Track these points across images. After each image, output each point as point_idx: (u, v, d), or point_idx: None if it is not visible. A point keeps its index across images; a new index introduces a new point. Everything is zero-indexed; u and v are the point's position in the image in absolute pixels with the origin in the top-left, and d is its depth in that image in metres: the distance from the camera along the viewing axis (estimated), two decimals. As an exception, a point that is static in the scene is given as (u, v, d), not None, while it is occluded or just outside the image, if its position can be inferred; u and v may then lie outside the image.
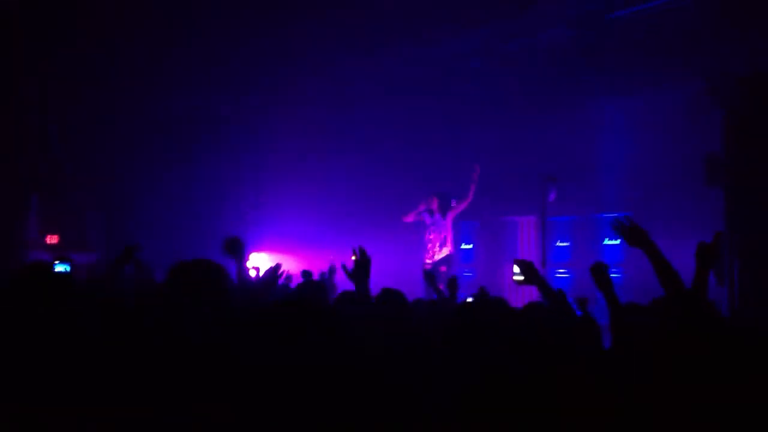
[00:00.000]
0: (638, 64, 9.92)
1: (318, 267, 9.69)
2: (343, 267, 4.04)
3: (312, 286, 5.51)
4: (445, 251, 11.03)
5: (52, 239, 12.19)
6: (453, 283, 5.92)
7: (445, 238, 11.04)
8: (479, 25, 11.22)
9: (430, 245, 11.21)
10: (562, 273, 11.03)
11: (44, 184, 12.41)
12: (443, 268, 10.62)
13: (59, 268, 4.86)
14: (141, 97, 12.29)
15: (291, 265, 12.40)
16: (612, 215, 10.52)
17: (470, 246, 12.54)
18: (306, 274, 7.82)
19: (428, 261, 11.13)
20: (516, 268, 3.96)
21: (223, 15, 11.40)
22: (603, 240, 10.72)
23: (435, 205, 11.09)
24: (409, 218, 11.40)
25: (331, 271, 8.46)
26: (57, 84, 12.04)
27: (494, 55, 11.51)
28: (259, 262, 12.81)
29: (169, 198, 12.66)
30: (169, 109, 12.59)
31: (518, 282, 3.93)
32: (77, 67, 11.89)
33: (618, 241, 10.48)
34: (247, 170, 13.93)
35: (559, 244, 11.30)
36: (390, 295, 3.96)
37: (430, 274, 7.04)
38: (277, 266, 4.63)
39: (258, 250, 13.03)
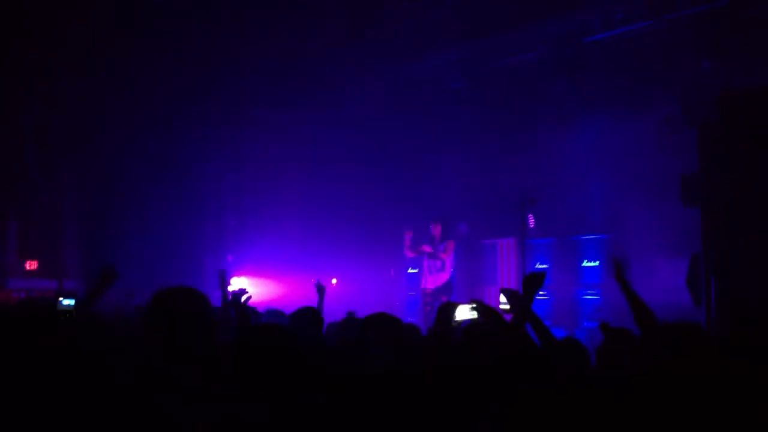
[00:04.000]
0: (615, 87, 10.03)
1: (297, 291, 9.63)
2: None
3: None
4: (443, 277, 10.94)
5: (31, 265, 12.10)
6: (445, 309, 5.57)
7: (443, 263, 10.93)
8: (459, 47, 11.32)
9: (427, 271, 11.12)
10: (541, 295, 11.04)
11: (23, 210, 12.34)
12: (444, 298, 10.32)
13: (66, 302, 4.74)
14: (121, 121, 12.27)
15: (271, 290, 12.39)
16: (590, 237, 10.56)
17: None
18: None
19: (425, 287, 11.02)
20: (502, 297, 4.01)
21: (203, 39, 11.45)
22: (582, 262, 10.76)
23: (438, 231, 11.02)
24: (410, 253, 11.29)
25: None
26: (36, 109, 12.00)
27: (474, 77, 11.59)
28: (239, 286, 12.74)
29: (150, 223, 12.61)
30: (149, 133, 12.56)
31: (506, 311, 3.99)
32: (56, 92, 11.86)
33: (596, 263, 10.53)
34: (229, 195, 13.91)
35: (538, 266, 11.33)
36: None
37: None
38: (241, 291, 4.66)
39: (239, 274, 12.98)
